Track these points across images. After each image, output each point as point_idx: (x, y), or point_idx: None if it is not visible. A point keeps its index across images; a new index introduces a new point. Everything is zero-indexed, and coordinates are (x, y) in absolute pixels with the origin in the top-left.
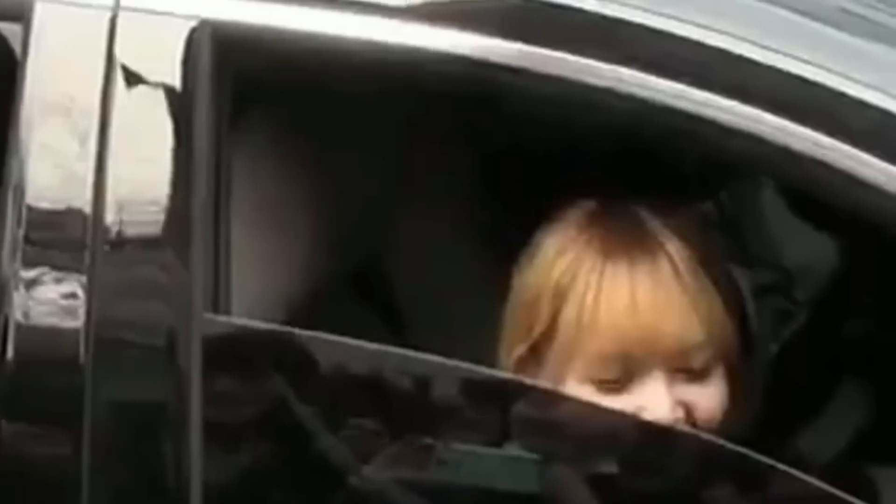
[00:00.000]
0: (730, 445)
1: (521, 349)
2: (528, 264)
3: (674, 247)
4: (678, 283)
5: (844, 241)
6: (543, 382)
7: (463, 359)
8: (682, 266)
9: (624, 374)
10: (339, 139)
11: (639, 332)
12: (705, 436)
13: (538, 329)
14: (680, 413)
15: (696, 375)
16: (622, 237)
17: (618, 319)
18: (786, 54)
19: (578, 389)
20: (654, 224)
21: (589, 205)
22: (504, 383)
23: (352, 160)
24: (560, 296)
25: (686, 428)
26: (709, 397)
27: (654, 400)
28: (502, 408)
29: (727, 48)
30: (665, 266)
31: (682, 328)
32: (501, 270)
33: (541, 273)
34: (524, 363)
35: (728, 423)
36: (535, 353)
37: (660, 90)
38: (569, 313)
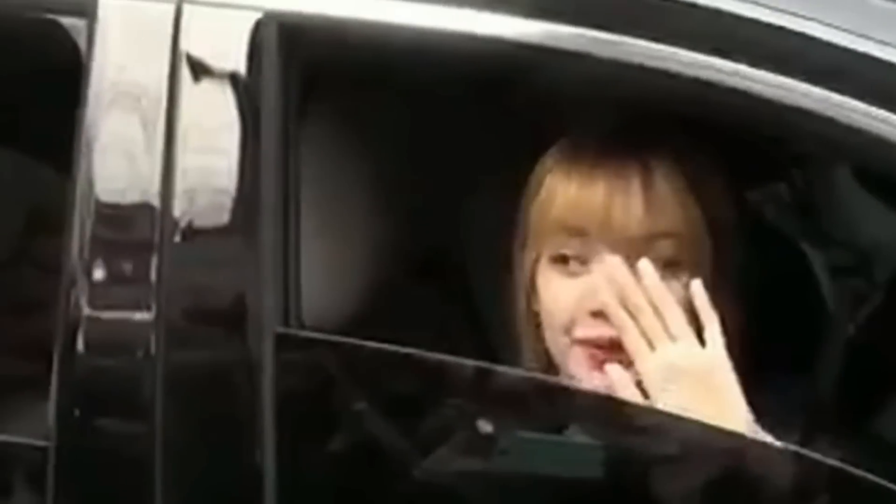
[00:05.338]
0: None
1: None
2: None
3: (651, 160)
4: (642, 179)
5: None
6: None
7: None
8: (655, 171)
9: (582, 252)
10: (406, 128)
11: (592, 204)
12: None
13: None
14: None
15: (660, 271)
16: (598, 152)
17: (574, 191)
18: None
19: (548, 272)
20: (638, 147)
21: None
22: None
23: (420, 149)
24: (533, 195)
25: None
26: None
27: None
28: (559, 397)
29: (806, 32)
30: (634, 168)
31: (639, 214)
32: None
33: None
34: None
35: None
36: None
37: (734, 73)
38: (538, 200)
